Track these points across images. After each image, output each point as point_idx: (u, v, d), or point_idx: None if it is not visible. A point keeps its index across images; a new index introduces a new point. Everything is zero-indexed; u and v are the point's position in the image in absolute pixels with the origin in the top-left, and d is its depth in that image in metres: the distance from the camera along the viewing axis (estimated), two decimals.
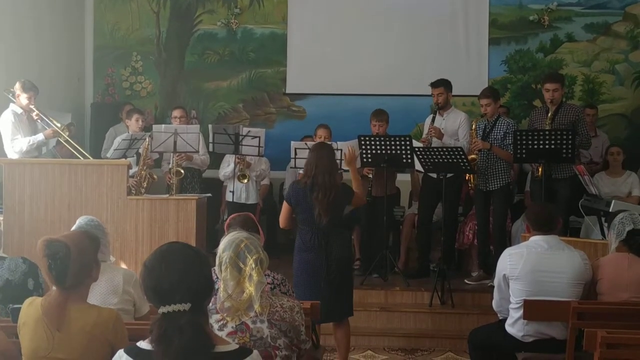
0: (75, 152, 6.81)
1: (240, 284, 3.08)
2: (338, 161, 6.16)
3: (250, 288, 3.06)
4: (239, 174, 7.62)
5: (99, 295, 3.83)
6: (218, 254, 3.15)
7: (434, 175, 7.10)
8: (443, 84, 7.39)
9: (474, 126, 7.19)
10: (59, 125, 6.85)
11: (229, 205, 7.97)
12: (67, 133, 6.91)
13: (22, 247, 6.07)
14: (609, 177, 7.78)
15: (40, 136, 6.81)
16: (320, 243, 5.28)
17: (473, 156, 6.99)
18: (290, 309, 3.16)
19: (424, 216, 7.50)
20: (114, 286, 3.95)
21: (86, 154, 6.91)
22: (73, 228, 4.04)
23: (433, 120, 7.43)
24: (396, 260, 7.62)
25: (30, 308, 3.09)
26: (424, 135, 7.52)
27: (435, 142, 7.22)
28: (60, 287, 3.05)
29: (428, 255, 7.59)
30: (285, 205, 5.48)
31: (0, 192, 6.76)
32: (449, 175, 6.89)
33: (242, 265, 3.08)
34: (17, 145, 6.74)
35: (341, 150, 6.59)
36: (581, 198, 6.68)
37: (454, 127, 7.38)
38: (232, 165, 7.77)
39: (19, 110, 6.82)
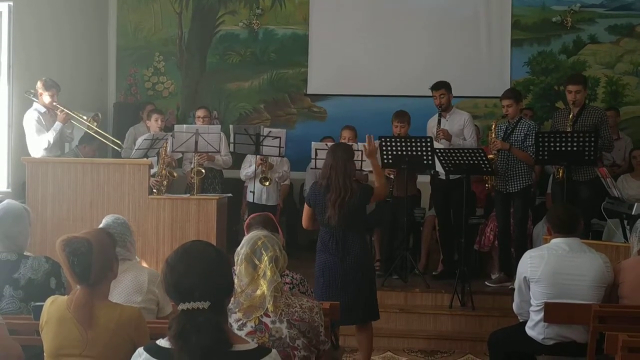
0: (106, 141, 6.97)
1: (255, 280, 3.09)
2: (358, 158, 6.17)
3: (263, 286, 3.07)
4: (261, 176, 7.60)
5: (123, 294, 3.85)
6: (236, 251, 3.17)
7: (443, 177, 7.12)
8: (444, 86, 7.41)
9: (494, 127, 7.15)
10: (85, 117, 6.91)
11: (249, 206, 7.97)
12: (95, 124, 6.97)
13: (45, 246, 6.08)
14: (635, 180, 7.73)
15: (57, 125, 6.83)
16: (337, 245, 5.27)
17: (491, 156, 6.95)
18: (309, 310, 3.15)
19: (441, 218, 7.52)
20: (138, 285, 3.95)
21: (116, 140, 7.05)
22: (100, 227, 4.06)
23: (439, 122, 7.43)
24: (416, 261, 7.61)
25: (53, 306, 3.11)
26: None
27: (445, 144, 7.21)
28: (84, 284, 3.07)
29: (453, 257, 7.56)
30: (305, 206, 5.50)
31: (23, 191, 6.82)
32: (457, 176, 6.89)
33: (257, 262, 3.10)
34: (44, 141, 6.78)
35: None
36: (603, 200, 6.64)
37: (458, 127, 7.40)
38: (253, 166, 7.77)
39: (42, 109, 6.87)
